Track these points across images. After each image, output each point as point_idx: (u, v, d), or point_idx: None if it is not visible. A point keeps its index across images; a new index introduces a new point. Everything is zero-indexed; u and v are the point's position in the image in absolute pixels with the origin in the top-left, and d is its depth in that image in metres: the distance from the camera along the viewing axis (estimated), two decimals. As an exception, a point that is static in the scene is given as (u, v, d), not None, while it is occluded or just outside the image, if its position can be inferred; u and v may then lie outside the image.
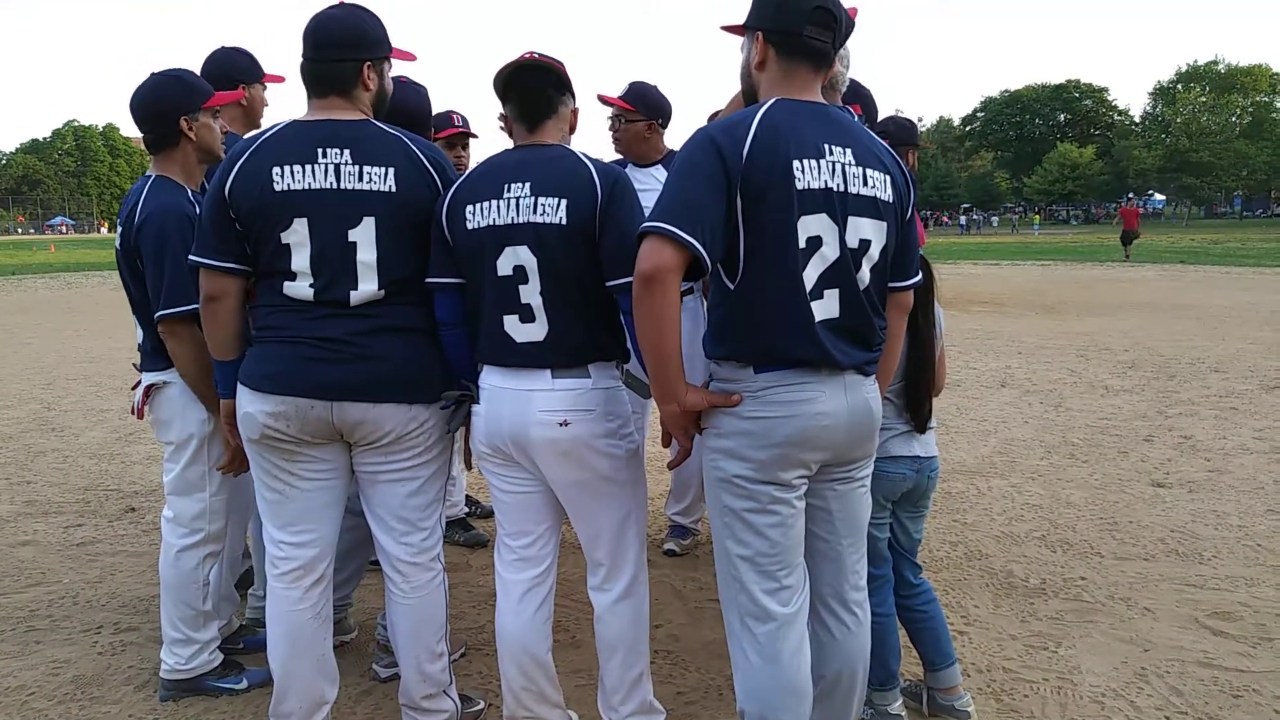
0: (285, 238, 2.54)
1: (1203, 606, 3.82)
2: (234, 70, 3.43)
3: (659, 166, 4.21)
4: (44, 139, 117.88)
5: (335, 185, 2.51)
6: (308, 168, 2.52)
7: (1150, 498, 5.29)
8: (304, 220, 2.52)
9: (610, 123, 4.23)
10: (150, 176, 3.06)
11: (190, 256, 2.65)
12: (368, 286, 2.54)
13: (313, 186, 2.51)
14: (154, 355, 3.07)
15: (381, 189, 2.53)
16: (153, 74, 3.06)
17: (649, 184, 3.94)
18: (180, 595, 3.12)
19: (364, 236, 2.53)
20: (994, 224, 76.15)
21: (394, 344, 2.58)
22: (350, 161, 2.53)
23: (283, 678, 2.75)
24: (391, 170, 2.55)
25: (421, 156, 2.61)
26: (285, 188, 2.51)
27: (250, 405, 2.60)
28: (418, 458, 2.71)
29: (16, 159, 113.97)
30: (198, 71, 3.28)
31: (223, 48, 3.54)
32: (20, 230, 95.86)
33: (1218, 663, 3.35)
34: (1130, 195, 79.47)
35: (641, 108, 4.16)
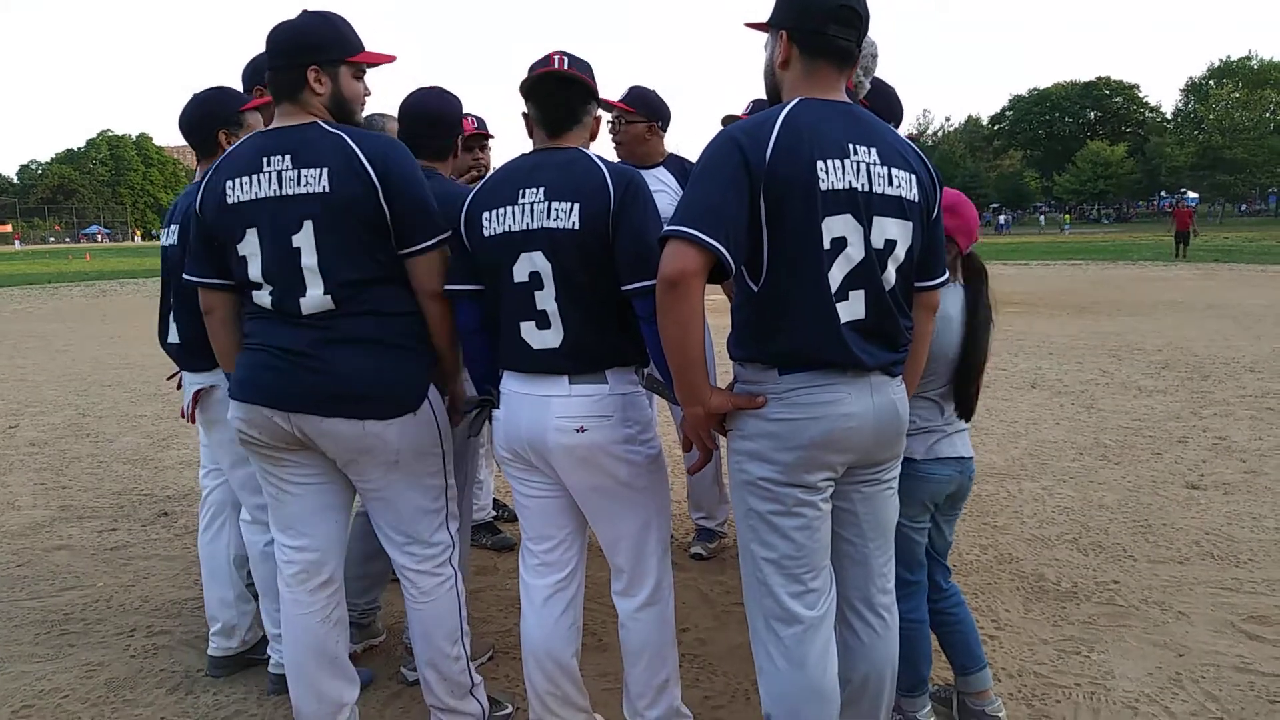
0: (241, 250, 2.57)
1: (1239, 610, 3.76)
2: (254, 73, 3.45)
3: (661, 169, 4.21)
4: (79, 149, 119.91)
5: (278, 192, 2.52)
6: (255, 178, 2.54)
7: (1184, 500, 5.21)
8: (254, 230, 2.55)
9: (610, 125, 4.22)
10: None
11: (184, 275, 2.76)
12: (315, 292, 2.52)
13: (258, 196, 2.53)
14: (199, 355, 3.12)
15: (316, 190, 2.50)
16: (196, 93, 3.21)
17: (653, 186, 3.94)
18: (274, 589, 3.12)
19: (305, 241, 2.51)
20: (1041, 223, 75.04)
21: (345, 356, 2.54)
22: (290, 166, 2.52)
23: (296, 681, 2.79)
24: (325, 170, 2.50)
25: (358, 152, 2.53)
26: (236, 200, 2.55)
27: (230, 411, 2.69)
28: (389, 473, 2.65)
29: (52, 169, 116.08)
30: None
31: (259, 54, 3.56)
32: (55, 239, 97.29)
33: (1254, 668, 3.29)
34: (1166, 194, 78.54)
35: (642, 109, 4.16)
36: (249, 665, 3.40)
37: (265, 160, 2.54)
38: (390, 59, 2.77)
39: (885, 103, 3.31)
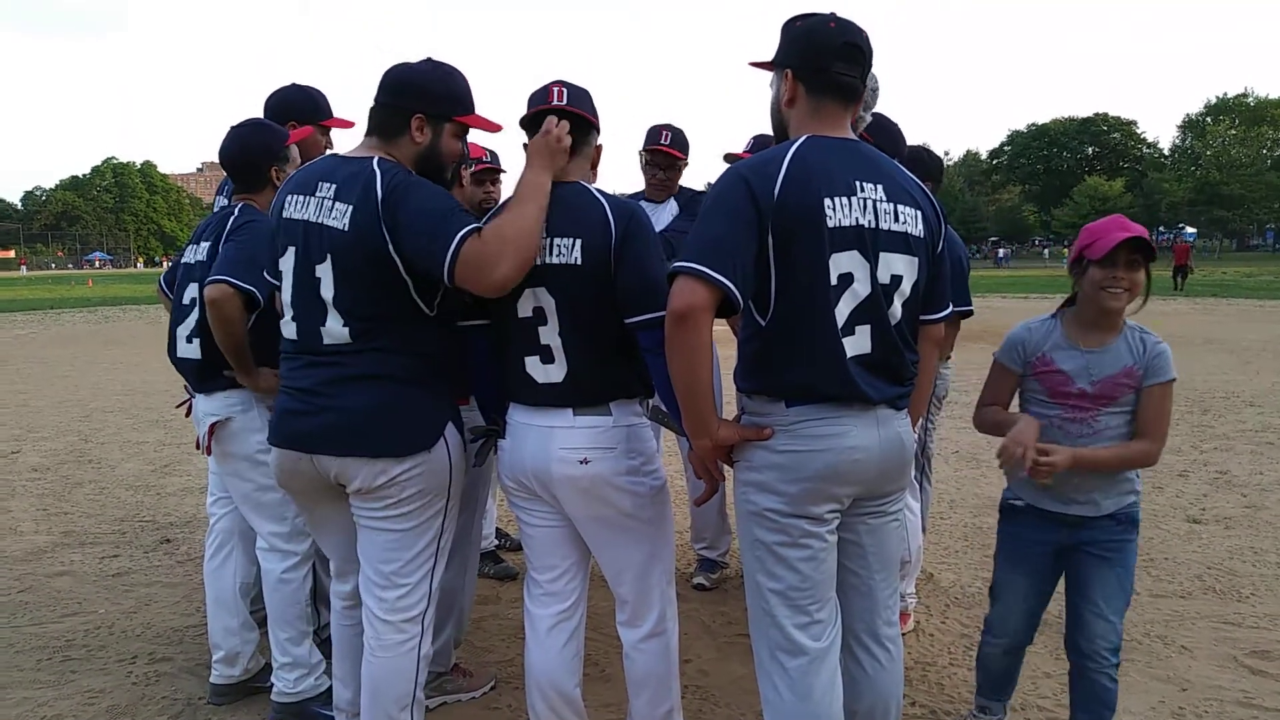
0: (281, 264, 2.61)
1: (1241, 645, 3.76)
2: (288, 109, 3.50)
3: (670, 201, 4.27)
4: (83, 176, 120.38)
5: (316, 219, 2.52)
6: (308, 199, 2.55)
7: (1186, 534, 5.22)
8: (292, 250, 2.57)
9: (656, 172, 4.26)
10: (238, 204, 3.23)
11: (265, 274, 2.78)
12: (334, 324, 2.51)
13: (304, 218, 2.54)
14: (215, 377, 3.17)
15: (338, 227, 2.48)
16: (234, 127, 3.22)
17: (668, 220, 4.04)
18: (285, 617, 3.20)
19: (325, 273, 2.51)
20: (1045, 256, 75.50)
21: (360, 394, 2.51)
22: (332, 196, 2.51)
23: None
24: (350, 209, 2.46)
25: (379, 195, 2.45)
26: (289, 215, 2.57)
27: (271, 456, 2.70)
28: (390, 509, 2.58)
29: (56, 195, 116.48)
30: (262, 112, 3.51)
31: (287, 86, 3.60)
32: (57, 265, 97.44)
33: (1257, 702, 3.29)
34: (1164, 229, 78.99)
35: (686, 152, 4.26)
36: (251, 693, 3.40)
37: (319, 185, 2.55)
38: (497, 128, 2.74)
39: (889, 139, 3.36)
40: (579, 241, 2.47)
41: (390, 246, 2.44)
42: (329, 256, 2.49)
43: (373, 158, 2.53)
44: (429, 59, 2.64)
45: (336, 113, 3.59)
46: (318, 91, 3.57)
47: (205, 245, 3.22)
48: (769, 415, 2.26)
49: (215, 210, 3.47)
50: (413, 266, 2.46)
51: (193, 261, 3.26)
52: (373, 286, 2.49)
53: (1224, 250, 77.11)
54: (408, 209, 2.43)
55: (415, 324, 2.56)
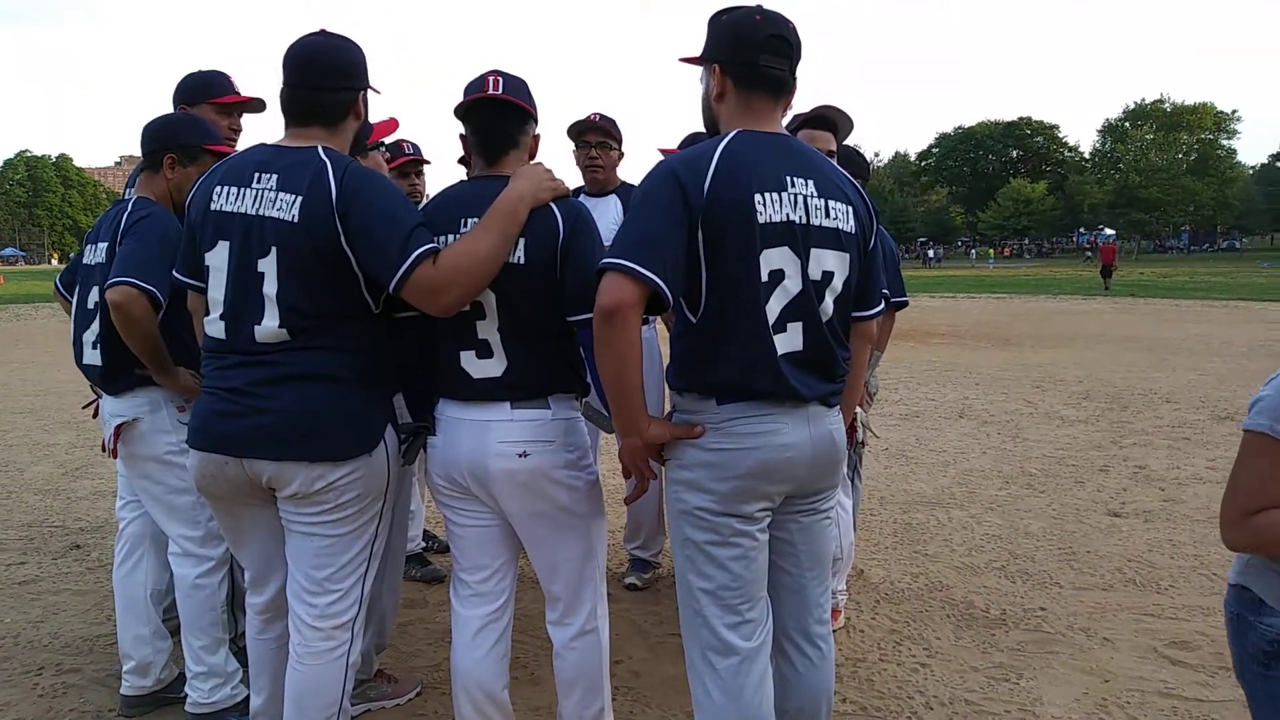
0: (209, 259, 2.47)
1: (1161, 636, 3.84)
2: (181, 94, 3.37)
3: (613, 196, 4.22)
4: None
5: (256, 211, 2.40)
6: (242, 191, 2.42)
7: (1107, 527, 5.33)
8: (226, 244, 2.43)
9: (589, 151, 4.18)
10: (131, 198, 3.11)
11: (174, 273, 2.63)
12: (270, 323, 2.38)
13: (240, 210, 2.41)
14: (120, 376, 3.05)
15: (286, 218, 2.35)
16: (174, 112, 3.20)
17: (607, 213, 3.96)
18: (199, 624, 3.06)
19: (269, 267, 2.38)
20: (972, 256, 77.35)
21: (297, 394, 2.39)
22: (274, 187, 2.39)
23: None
24: (299, 199, 2.35)
25: (332, 186, 2.35)
26: (219, 208, 2.44)
27: (188, 461, 2.56)
28: (326, 514, 2.47)
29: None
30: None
31: (191, 73, 3.48)
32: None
33: (1177, 692, 3.36)
34: (1084, 231, 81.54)
35: (619, 135, 4.18)
36: (164, 704, 3.26)
37: (256, 176, 2.42)
38: (376, 91, 2.68)
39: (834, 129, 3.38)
40: (522, 239, 2.41)
41: (343, 239, 2.35)
42: (274, 250, 2.38)
43: (315, 146, 2.44)
44: (323, 30, 2.53)
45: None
46: (214, 73, 3.44)
47: (103, 245, 3.06)
48: (700, 413, 2.23)
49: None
50: (362, 265, 2.38)
51: (92, 263, 3.11)
52: (321, 281, 2.39)
53: (1141, 251, 79.74)
54: (364, 205, 2.35)
55: (357, 321, 2.46)
